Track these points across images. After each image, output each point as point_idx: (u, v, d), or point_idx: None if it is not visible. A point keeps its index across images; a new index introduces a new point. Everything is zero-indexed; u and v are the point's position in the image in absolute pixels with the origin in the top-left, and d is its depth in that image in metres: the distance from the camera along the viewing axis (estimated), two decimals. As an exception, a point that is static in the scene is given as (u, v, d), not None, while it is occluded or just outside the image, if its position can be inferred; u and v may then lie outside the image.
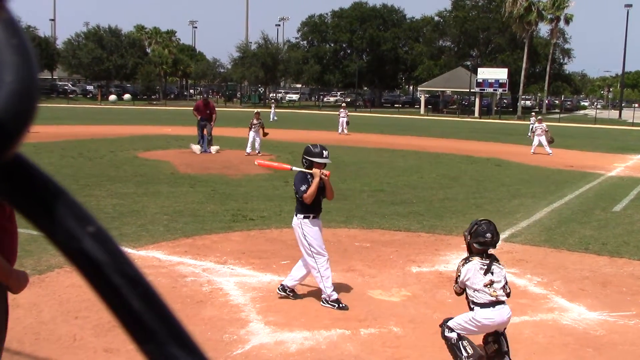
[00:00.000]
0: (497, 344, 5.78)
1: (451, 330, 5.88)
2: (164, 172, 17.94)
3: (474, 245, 5.84)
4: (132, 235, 10.27)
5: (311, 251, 7.41)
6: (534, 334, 6.80)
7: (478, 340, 5.92)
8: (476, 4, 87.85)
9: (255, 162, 8.44)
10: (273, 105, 53.98)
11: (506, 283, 5.83)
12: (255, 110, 26.49)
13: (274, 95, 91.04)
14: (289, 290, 7.68)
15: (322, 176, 7.38)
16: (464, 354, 5.78)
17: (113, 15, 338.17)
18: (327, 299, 7.42)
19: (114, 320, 0.50)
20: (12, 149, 0.45)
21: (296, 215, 7.52)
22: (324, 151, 7.59)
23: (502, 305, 5.73)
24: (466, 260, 5.87)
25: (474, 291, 5.76)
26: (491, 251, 5.88)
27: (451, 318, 5.94)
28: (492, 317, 5.70)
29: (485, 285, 5.72)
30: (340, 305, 7.38)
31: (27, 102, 0.46)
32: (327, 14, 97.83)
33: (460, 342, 5.83)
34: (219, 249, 9.71)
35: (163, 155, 22.07)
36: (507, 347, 5.79)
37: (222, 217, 11.99)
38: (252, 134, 23.10)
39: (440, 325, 6.01)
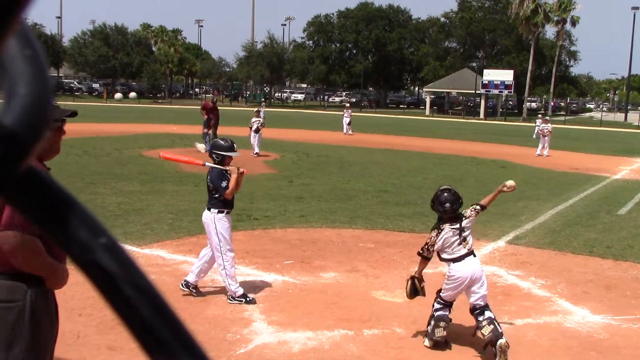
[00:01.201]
0: (492, 324, 6.04)
1: (439, 299, 6.33)
2: (169, 170, 17.96)
3: (438, 213, 6.30)
4: (137, 233, 10.29)
5: (221, 247, 7.30)
6: (538, 336, 6.79)
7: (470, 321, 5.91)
8: (482, 5, 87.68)
9: (160, 154, 8.07)
10: (263, 104, 54.02)
11: (474, 212, 6.37)
12: (255, 109, 26.54)
13: (259, 93, 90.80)
14: (192, 287, 7.60)
15: (239, 172, 7.35)
16: (428, 327, 6.30)
17: (119, 13, 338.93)
18: (233, 295, 7.32)
19: (117, 320, 0.50)
20: (26, 160, 0.45)
21: (209, 210, 7.40)
22: (234, 144, 7.62)
23: (472, 257, 6.21)
24: (438, 230, 6.22)
25: (449, 252, 6.19)
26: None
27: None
28: (462, 268, 6.14)
29: (460, 244, 6.17)
30: (248, 298, 7.32)
31: (40, 114, 0.46)
32: (333, 14, 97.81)
33: (435, 314, 6.27)
34: (223, 248, 9.71)
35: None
36: (496, 325, 6.07)
37: (226, 216, 11.99)
38: (252, 133, 23.10)
39: (437, 292, 6.43)
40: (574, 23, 74.93)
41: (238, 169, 7.35)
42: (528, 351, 6.38)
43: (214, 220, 7.34)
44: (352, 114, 37.58)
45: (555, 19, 73.35)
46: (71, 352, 5.72)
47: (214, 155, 7.51)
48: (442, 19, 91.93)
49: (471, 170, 21.49)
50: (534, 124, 39.88)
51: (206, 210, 7.47)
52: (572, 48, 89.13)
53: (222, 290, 7.74)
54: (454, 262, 6.19)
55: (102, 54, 79.73)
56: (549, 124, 28.80)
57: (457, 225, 6.17)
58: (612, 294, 8.43)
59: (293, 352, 6.08)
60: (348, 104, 41.32)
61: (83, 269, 0.48)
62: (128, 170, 17.52)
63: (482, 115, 73.73)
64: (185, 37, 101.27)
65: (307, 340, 6.36)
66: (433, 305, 6.34)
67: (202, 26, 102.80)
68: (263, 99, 65.07)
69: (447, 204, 6.16)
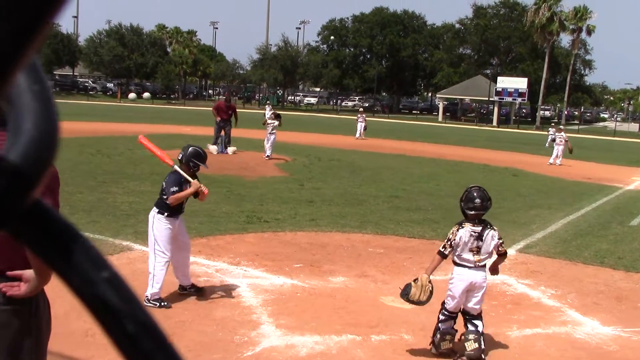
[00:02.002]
0: (477, 342, 6.08)
1: (443, 310, 6.28)
2: (181, 171, 18.01)
3: (466, 210, 6.17)
4: (147, 233, 10.30)
5: (154, 247, 7.24)
6: (546, 346, 6.75)
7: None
8: (498, 13, 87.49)
9: (139, 138, 7.83)
10: (268, 107, 54.07)
11: (501, 245, 6.17)
12: (273, 111, 26.37)
13: (271, 96, 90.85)
14: (189, 287, 7.64)
15: (200, 190, 7.22)
16: (434, 338, 6.25)
17: (135, 13, 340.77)
18: (149, 297, 7.17)
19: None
20: (30, 195, 0.45)
21: (154, 208, 7.41)
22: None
23: (480, 270, 6.15)
24: (459, 226, 6.15)
25: (458, 255, 6.14)
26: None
27: None
28: (463, 273, 6.12)
29: (471, 251, 6.09)
30: (162, 303, 7.16)
31: (46, 150, 0.46)
32: (347, 18, 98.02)
33: (437, 332, 6.23)
34: (232, 250, 9.74)
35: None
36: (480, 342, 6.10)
37: (236, 218, 12.02)
38: (267, 135, 22.89)
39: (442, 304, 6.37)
40: (589, 32, 74.64)
41: (200, 186, 7.22)
42: (536, 361, 6.34)
43: (153, 219, 7.32)
44: (366, 118, 37.56)
45: (571, 27, 73.12)
46: (80, 350, 5.75)
47: (190, 163, 7.43)
48: (457, 26, 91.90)
49: (483, 177, 21.40)
50: (547, 133, 39.75)
51: (153, 208, 7.44)
52: (587, 57, 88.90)
53: (231, 293, 7.76)
54: (457, 267, 6.19)
55: (117, 54, 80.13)
56: (563, 133, 28.68)
57: (479, 229, 6.09)
58: (622, 305, 8.37)
59: (300, 356, 6.07)
60: (362, 109, 41.31)
61: (85, 302, 0.48)
62: (140, 170, 17.58)
63: (495, 123, 73.57)
64: (200, 39, 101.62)
65: (314, 345, 6.35)
66: (438, 317, 6.31)
67: (217, 28, 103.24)
68: (268, 101, 65.22)
69: (477, 200, 6.09)
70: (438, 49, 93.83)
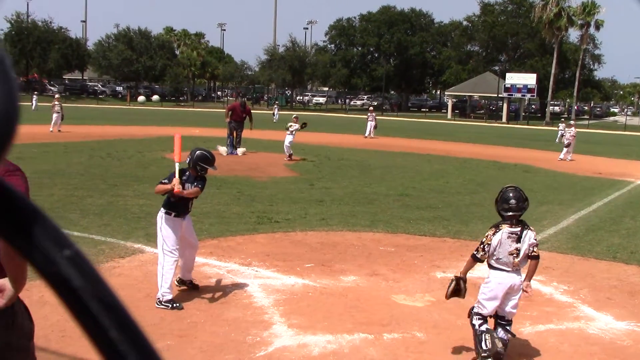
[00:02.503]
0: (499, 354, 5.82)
1: (476, 316, 6.04)
2: (191, 173, 18.06)
3: (502, 212, 6.01)
4: (158, 235, 10.35)
5: (163, 247, 7.28)
6: (560, 342, 6.73)
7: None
8: (505, 9, 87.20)
9: (176, 135, 7.91)
10: (276, 107, 54.19)
11: (535, 246, 5.98)
12: (294, 114, 26.20)
13: (275, 96, 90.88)
14: (187, 282, 7.76)
15: (173, 188, 7.18)
16: (483, 347, 5.89)
17: (143, 17, 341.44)
18: (161, 298, 7.18)
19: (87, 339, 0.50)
20: None
21: (161, 209, 7.45)
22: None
23: (518, 273, 5.98)
24: (496, 229, 5.96)
25: (496, 259, 5.93)
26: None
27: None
28: (501, 277, 5.93)
29: (511, 254, 5.90)
30: (174, 305, 7.16)
31: (5, 127, 0.46)
32: (355, 17, 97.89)
33: (482, 335, 5.94)
34: (243, 250, 9.75)
35: (190, 156, 22.17)
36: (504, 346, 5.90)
37: (247, 219, 12.04)
38: (287, 136, 22.81)
39: (469, 313, 6.17)
40: (597, 27, 74.32)
41: (174, 186, 7.16)
42: (550, 357, 6.32)
43: (161, 219, 7.36)
44: (376, 117, 37.53)
45: (579, 22, 72.81)
46: (92, 353, 5.76)
47: (198, 167, 7.46)
48: (465, 23, 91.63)
49: (494, 174, 21.36)
50: (556, 128, 39.58)
51: (160, 209, 7.48)
52: (596, 52, 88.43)
53: (242, 293, 7.77)
54: (495, 270, 5.97)
55: (125, 57, 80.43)
56: (573, 128, 28.57)
57: (517, 230, 5.92)
58: (635, 300, 8.32)
59: (313, 356, 6.08)
60: (371, 107, 41.26)
61: (47, 280, 0.48)
62: (150, 173, 17.63)
63: (504, 119, 73.36)
64: (208, 41, 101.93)
65: (326, 344, 6.35)
66: (473, 325, 6.04)
67: (224, 30, 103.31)
68: (276, 101, 65.39)
69: (513, 200, 5.94)
70: (446, 46, 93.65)
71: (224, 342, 6.26)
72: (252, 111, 24.90)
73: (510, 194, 6.00)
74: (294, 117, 24.05)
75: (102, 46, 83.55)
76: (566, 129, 29.46)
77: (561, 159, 27.48)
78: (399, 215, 13.12)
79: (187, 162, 7.60)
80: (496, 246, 5.89)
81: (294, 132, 22.78)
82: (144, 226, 10.86)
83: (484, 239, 5.97)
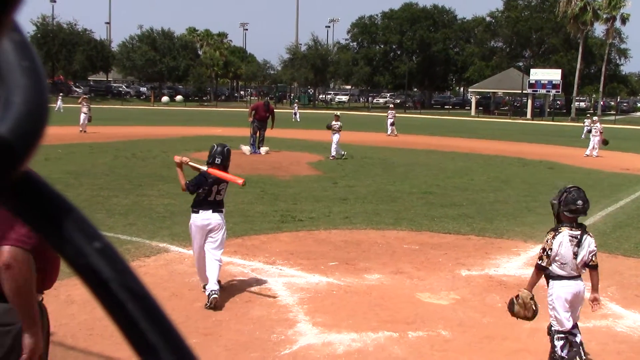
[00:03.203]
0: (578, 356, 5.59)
1: (557, 334, 5.71)
2: (215, 172, 18.14)
3: (565, 213, 5.70)
4: (183, 234, 10.40)
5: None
6: (587, 340, 6.64)
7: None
8: (529, 4, 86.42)
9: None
10: (296, 105, 54.01)
11: (594, 254, 5.70)
12: (335, 113, 26.08)
13: (294, 95, 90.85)
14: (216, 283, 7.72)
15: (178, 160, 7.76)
16: None
17: (166, 18, 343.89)
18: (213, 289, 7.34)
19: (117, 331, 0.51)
20: (20, 167, 0.47)
21: (220, 212, 7.80)
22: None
23: (580, 278, 5.72)
24: (556, 232, 5.67)
25: (560, 264, 5.64)
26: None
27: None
28: (566, 284, 5.65)
29: (574, 257, 5.62)
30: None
31: (35, 123, 0.48)
32: (377, 15, 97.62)
33: (562, 354, 5.65)
34: (267, 249, 9.78)
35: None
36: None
37: (271, 217, 12.07)
38: (334, 136, 22.81)
39: (548, 330, 5.84)
40: (623, 20, 73.27)
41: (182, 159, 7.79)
42: (577, 355, 6.25)
43: (224, 220, 7.70)
44: (396, 114, 37.43)
45: (605, 16, 71.82)
46: (120, 352, 5.81)
47: (209, 160, 7.76)
48: (488, 19, 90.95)
49: (518, 171, 21.18)
50: (582, 124, 39.14)
51: (216, 214, 7.61)
52: (622, 46, 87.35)
53: (267, 292, 7.79)
54: (554, 280, 5.68)
55: (149, 58, 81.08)
56: (599, 124, 28.23)
57: (577, 233, 5.64)
58: (664, 297, 8.20)
59: (337, 354, 6.08)
60: (392, 105, 41.15)
61: (77, 272, 0.49)
62: (175, 173, 17.59)
63: (529, 116, 72.69)
64: (230, 41, 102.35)
65: (351, 342, 6.35)
66: (554, 346, 5.71)
67: (247, 29, 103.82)
68: (297, 100, 65.34)
69: (580, 202, 5.67)
70: (469, 42, 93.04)
71: (249, 341, 6.28)
72: (275, 110, 24.96)
73: (577, 195, 5.71)
74: (336, 115, 23.98)
75: (126, 47, 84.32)
76: (592, 125, 29.15)
77: (587, 155, 27.17)
78: (422, 213, 13.07)
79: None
80: (557, 250, 5.60)
81: (338, 130, 22.72)
82: (169, 225, 10.94)
83: (545, 245, 5.67)
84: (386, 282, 8.41)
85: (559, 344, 5.68)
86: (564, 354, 5.64)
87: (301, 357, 5.97)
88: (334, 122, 23.18)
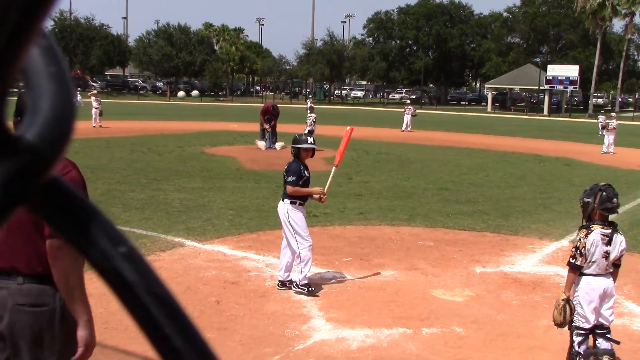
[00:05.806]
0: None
1: (577, 330, 5.65)
2: (230, 167, 18.22)
3: (600, 211, 5.62)
4: (198, 229, 10.47)
5: (296, 236, 7.59)
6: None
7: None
8: (546, 0, 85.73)
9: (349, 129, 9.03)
10: (309, 100, 53.81)
11: (622, 254, 5.66)
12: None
13: (309, 91, 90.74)
14: (288, 283, 7.76)
15: (317, 197, 7.97)
16: None
17: (183, 13, 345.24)
18: (298, 282, 7.57)
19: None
20: (47, 173, 0.48)
21: (283, 200, 7.80)
22: (309, 138, 8.49)
23: (609, 276, 5.69)
24: (588, 230, 5.59)
25: (589, 262, 5.58)
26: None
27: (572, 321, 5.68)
28: (594, 282, 5.61)
29: (604, 257, 5.57)
30: (310, 289, 7.53)
31: (62, 129, 0.48)
32: (393, 10, 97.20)
33: (578, 357, 5.63)
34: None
35: (229, 151, 22.41)
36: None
37: (285, 213, 12.07)
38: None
39: (569, 325, 5.72)
40: (643, 16, 72.50)
41: (321, 196, 7.97)
42: (592, 354, 6.21)
43: (286, 210, 7.69)
44: (413, 110, 37.29)
45: (623, 12, 71.16)
46: (135, 345, 5.86)
47: (292, 151, 8.15)
48: (505, 14, 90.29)
49: (534, 168, 21.06)
50: (597, 121, 38.79)
51: (280, 201, 7.84)
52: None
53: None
54: (587, 276, 5.62)
55: (165, 53, 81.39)
56: (614, 120, 27.99)
57: (608, 232, 5.56)
58: (682, 296, 8.13)
59: (351, 349, 6.09)
60: (408, 101, 41.02)
61: (102, 276, 0.50)
62: (190, 167, 17.84)
63: (545, 112, 72.21)
64: (246, 36, 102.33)
65: (365, 338, 6.35)
66: (572, 341, 5.69)
67: (263, 24, 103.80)
68: (311, 96, 65.06)
69: (615, 199, 5.59)
70: (486, 38, 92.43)
71: (263, 336, 6.31)
72: (291, 105, 25.04)
73: (612, 193, 5.61)
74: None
75: (142, 42, 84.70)
76: (607, 121, 28.91)
77: (604, 152, 26.96)
78: (437, 210, 13.04)
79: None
80: (590, 248, 5.53)
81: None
82: (185, 220, 11.00)
83: (578, 243, 5.57)
84: (400, 278, 8.40)
85: (577, 339, 5.66)
86: (580, 350, 5.63)
87: (315, 352, 5.99)
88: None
